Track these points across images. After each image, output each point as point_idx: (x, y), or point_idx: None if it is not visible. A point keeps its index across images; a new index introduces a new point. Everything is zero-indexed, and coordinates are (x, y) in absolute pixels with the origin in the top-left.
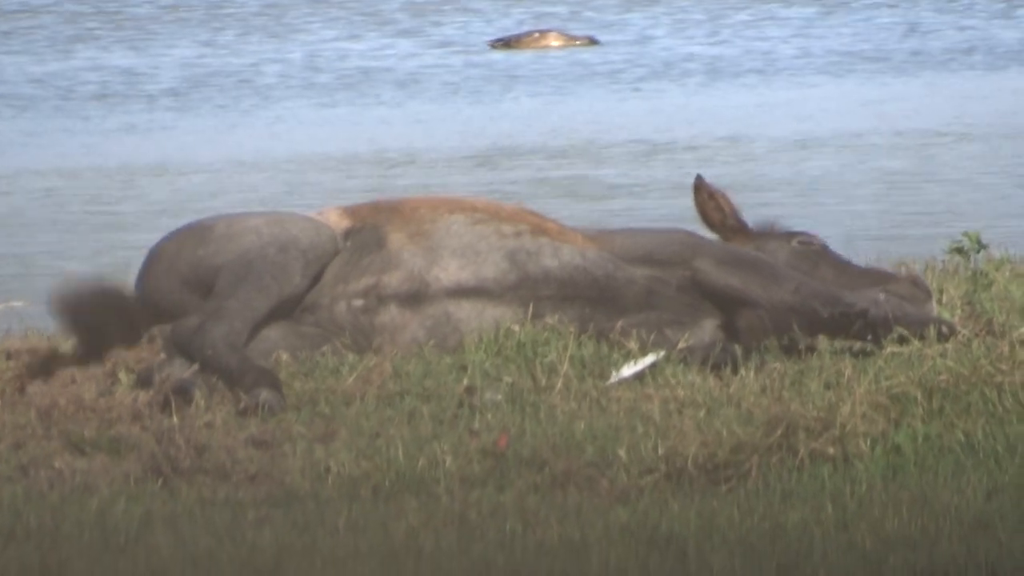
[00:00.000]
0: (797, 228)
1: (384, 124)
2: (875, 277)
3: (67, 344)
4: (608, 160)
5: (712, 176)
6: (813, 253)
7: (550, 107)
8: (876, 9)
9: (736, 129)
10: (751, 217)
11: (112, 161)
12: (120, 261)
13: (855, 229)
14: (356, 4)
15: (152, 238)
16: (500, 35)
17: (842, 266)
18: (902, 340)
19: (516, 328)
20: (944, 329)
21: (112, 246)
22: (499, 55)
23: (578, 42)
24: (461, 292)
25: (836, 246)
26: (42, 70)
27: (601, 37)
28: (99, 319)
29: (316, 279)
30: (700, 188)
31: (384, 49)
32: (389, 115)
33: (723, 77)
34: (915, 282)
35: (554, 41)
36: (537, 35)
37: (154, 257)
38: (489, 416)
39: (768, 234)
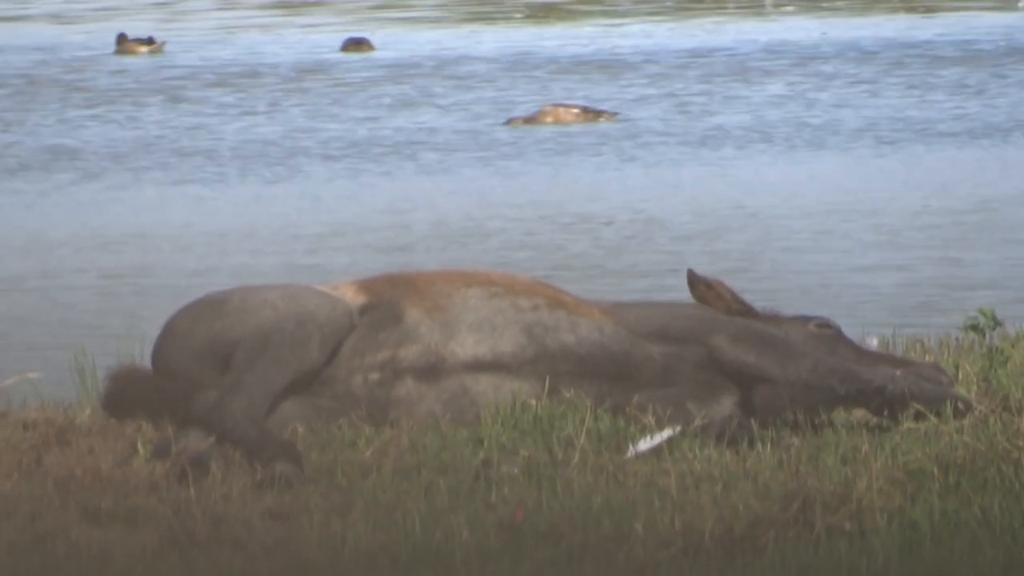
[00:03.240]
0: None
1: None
2: (896, 362)
3: (84, 415)
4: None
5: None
6: (830, 337)
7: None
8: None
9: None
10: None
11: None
12: (133, 332)
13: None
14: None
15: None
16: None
17: (860, 350)
18: (919, 416)
19: (533, 402)
20: (960, 405)
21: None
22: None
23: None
24: (478, 366)
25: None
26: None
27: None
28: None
29: (332, 354)
30: (695, 283)
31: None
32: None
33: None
34: (938, 369)
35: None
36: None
37: (169, 330)
38: (506, 489)
39: (780, 317)
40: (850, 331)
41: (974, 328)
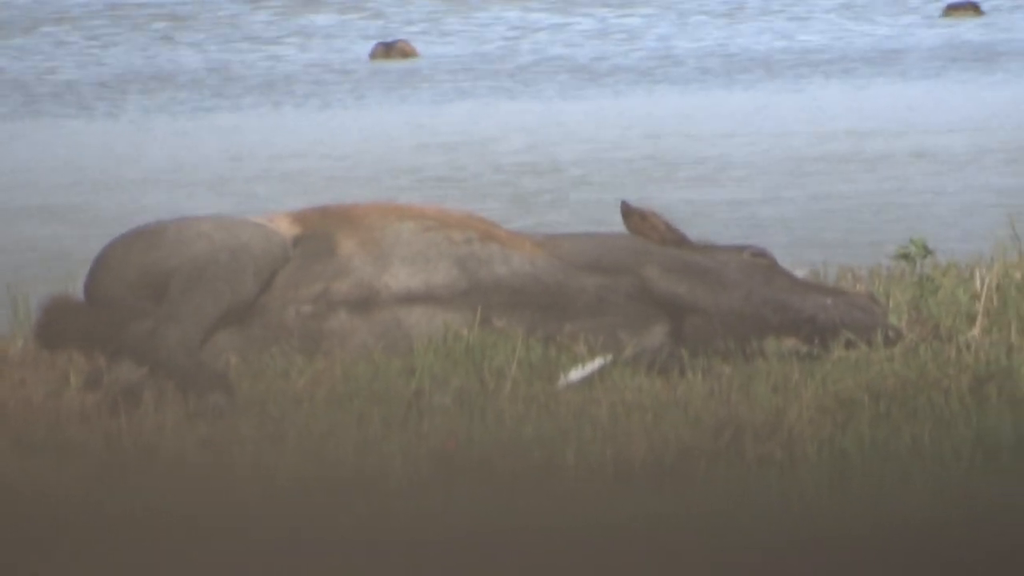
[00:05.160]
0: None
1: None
2: (829, 291)
3: (16, 346)
4: None
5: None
6: (764, 266)
7: None
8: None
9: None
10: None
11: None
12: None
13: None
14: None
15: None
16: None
17: (794, 279)
18: (849, 345)
19: (465, 332)
20: (891, 334)
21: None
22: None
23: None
24: (411, 299)
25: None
26: None
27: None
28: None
29: (266, 285)
30: (630, 214)
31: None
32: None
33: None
34: (872, 298)
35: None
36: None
37: (103, 260)
38: (438, 419)
39: (714, 247)
40: (783, 261)
41: (905, 257)
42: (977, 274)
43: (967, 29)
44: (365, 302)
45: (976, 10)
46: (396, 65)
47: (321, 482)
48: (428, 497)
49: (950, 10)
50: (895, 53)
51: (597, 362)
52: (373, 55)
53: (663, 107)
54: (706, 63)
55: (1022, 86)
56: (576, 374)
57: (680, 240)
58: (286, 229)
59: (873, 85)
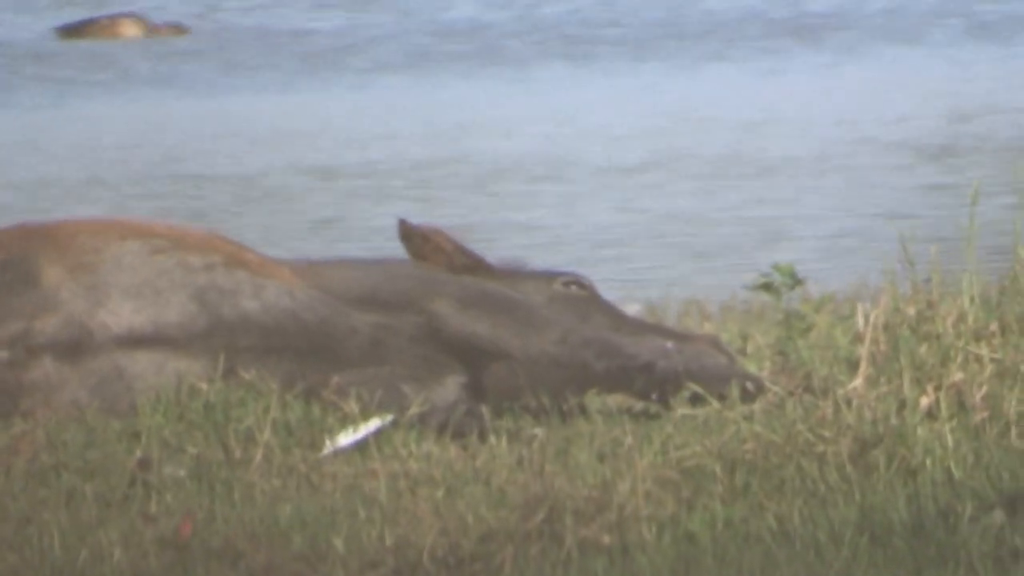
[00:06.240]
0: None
1: None
2: (663, 333)
3: None
4: None
5: None
6: (582, 299)
7: None
8: None
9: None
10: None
11: None
12: None
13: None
14: None
15: None
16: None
17: (621, 316)
18: (696, 400)
19: (203, 386)
20: (750, 386)
21: None
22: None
23: (163, 31)
24: (135, 341)
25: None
26: None
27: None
28: None
29: None
30: (410, 235)
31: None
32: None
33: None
34: (715, 344)
35: (131, 29)
36: (107, 21)
37: None
38: (169, 497)
39: (521, 274)
40: (608, 294)
41: (767, 288)
42: (859, 310)
43: None
44: (76, 345)
45: None
46: (91, 45)
47: None
48: None
49: None
50: (716, 27)
51: (373, 424)
52: (88, 31)
53: (421, 96)
54: (473, 41)
55: (881, 66)
56: (346, 439)
57: (475, 264)
58: None
59: (697, 68)
